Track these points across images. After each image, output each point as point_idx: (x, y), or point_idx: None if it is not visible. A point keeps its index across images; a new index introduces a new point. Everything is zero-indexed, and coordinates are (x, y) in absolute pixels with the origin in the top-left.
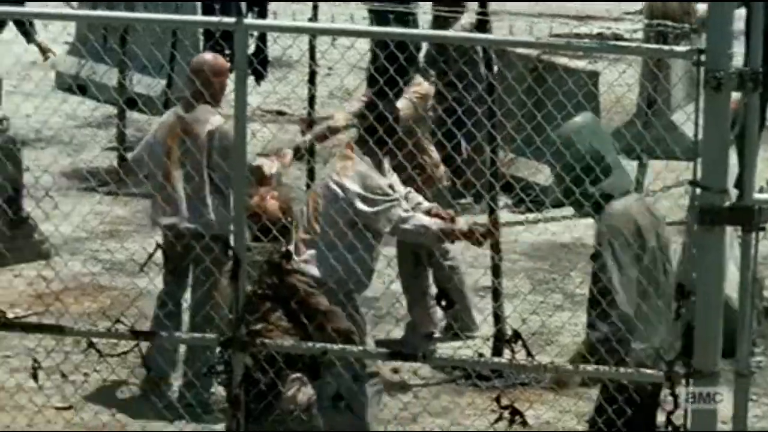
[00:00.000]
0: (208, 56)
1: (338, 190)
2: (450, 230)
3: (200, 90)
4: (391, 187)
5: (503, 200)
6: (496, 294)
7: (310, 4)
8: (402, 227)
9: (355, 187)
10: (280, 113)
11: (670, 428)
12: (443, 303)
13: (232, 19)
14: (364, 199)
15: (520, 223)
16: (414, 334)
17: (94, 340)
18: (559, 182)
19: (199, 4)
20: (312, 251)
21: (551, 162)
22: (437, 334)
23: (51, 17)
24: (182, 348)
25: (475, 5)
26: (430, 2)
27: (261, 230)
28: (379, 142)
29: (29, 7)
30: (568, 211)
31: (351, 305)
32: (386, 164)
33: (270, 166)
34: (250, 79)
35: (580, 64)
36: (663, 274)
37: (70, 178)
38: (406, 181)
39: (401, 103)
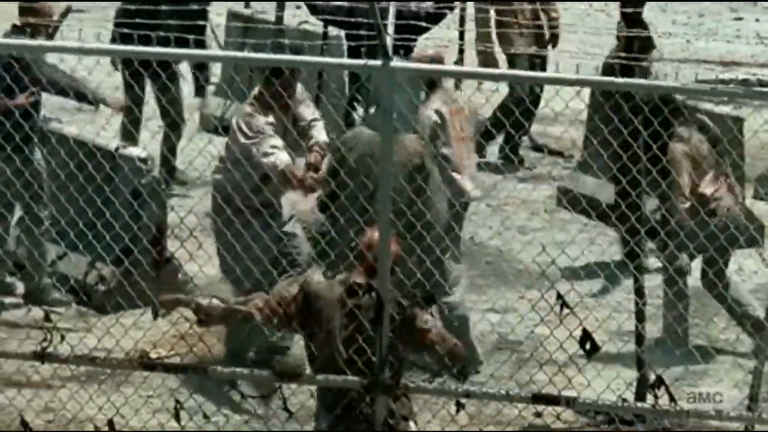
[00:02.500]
0: None
1: (234, 127)
2: (293, 175)
3: None
4: (272, 125)
5: (648, 245)
6: (640, 339)
7: (456, 47)
8: (263, 160)
9: (242, 125)
10: None
11: None
12: (587, 347)
13: (378, 62)
14: (245, 134)
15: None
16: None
17: (237, 381)
18: None
19: (345, 45)
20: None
21: None
22: None
23: (199, 58)
24: None
25: None
26: None
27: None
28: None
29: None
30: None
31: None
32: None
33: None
34: None
35: (725, 109)
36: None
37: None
38: None
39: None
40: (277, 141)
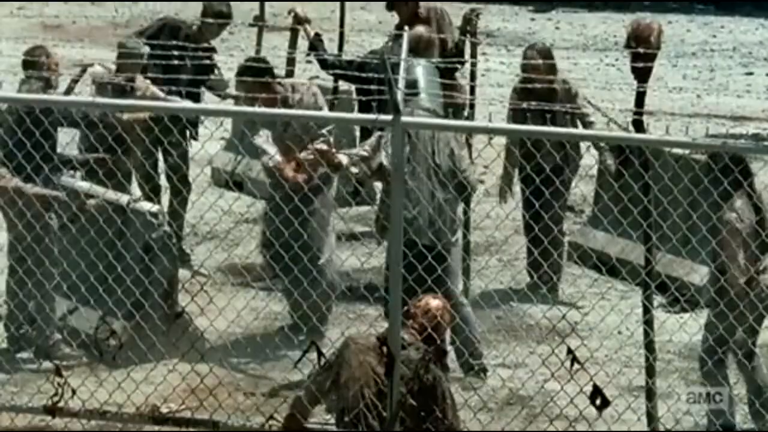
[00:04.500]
0: None
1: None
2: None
3: None
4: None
5: (658, 299)
6: (650, 394)
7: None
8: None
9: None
10: None
11: None
12: (598, 403)
13: (388, 117)
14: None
15: None
16: None
17: None
18: None
19: (355, 100)
20: None
21: None
22: None
23: (207, 113)
24: None
25: None
26: None
27: (420, 330)
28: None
29: (188, 103)
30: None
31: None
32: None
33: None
34: None
35: None
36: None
37: (225, 274)
38: None
39: None
40: (271, 148)
